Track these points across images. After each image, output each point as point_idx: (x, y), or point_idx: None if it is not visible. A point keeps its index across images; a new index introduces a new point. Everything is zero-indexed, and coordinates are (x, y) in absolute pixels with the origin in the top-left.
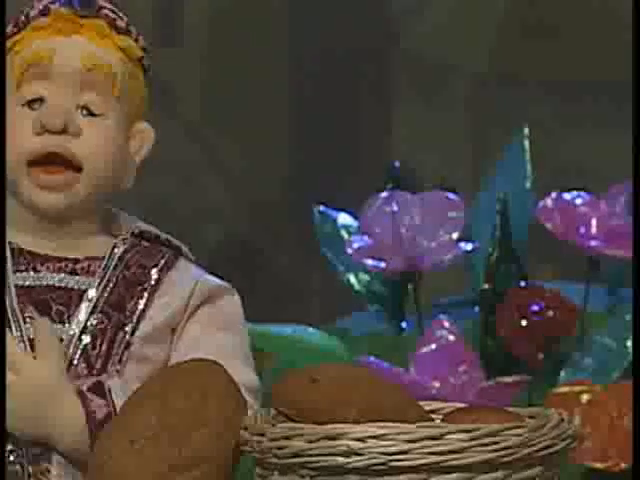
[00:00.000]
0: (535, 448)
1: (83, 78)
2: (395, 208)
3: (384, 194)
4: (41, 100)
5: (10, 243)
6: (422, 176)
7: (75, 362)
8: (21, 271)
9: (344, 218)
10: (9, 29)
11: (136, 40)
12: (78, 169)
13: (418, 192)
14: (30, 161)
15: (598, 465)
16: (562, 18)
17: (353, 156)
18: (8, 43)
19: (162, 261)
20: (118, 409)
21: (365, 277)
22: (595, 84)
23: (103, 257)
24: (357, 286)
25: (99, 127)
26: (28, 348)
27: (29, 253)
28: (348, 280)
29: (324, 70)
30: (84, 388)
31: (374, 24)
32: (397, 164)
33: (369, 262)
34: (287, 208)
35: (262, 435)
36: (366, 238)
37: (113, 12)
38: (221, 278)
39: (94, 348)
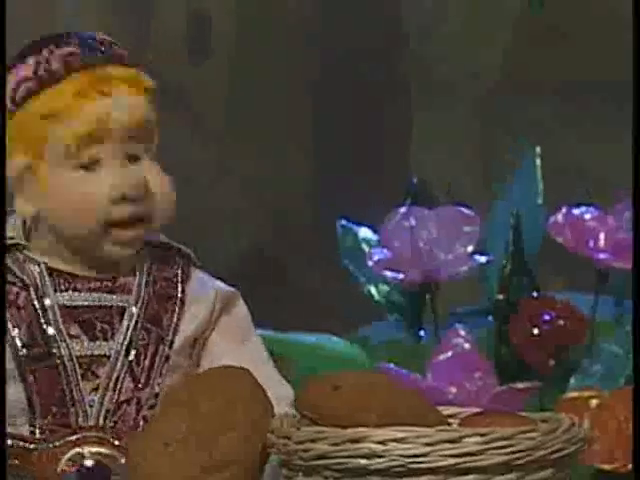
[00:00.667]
0: (548, 451)
1: (130, 134)
2: (413, 223)
3: (403, 209)
4: (97, 161)
5: (45, 264)
6: (437, 189)
7: (122, 378)
8: (62, 291)
9: (365, 232)
10: (30, 85)
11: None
12: (150, 221)
13: (434, 207)
14: (107, 223)
15: (606, 466)
16: (573, 26)
17: (373, 173)
18: (43, 107)
19: (179, 272)
20: None
21: (385, 288)
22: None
23: (133, 273)
24: (377, 296)
25: (158, 174)
26: (76, 366)
27: (68, 274)
28: (368, 291)
29: (344, 84)
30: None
31: (391, 40)
32: (415, 181)
33: (388, 274)
34: (311, 222)
35: (288, 438)
36: (386, 251)
37: (117, 46)
38: (247, 289)
39: (138, 363)
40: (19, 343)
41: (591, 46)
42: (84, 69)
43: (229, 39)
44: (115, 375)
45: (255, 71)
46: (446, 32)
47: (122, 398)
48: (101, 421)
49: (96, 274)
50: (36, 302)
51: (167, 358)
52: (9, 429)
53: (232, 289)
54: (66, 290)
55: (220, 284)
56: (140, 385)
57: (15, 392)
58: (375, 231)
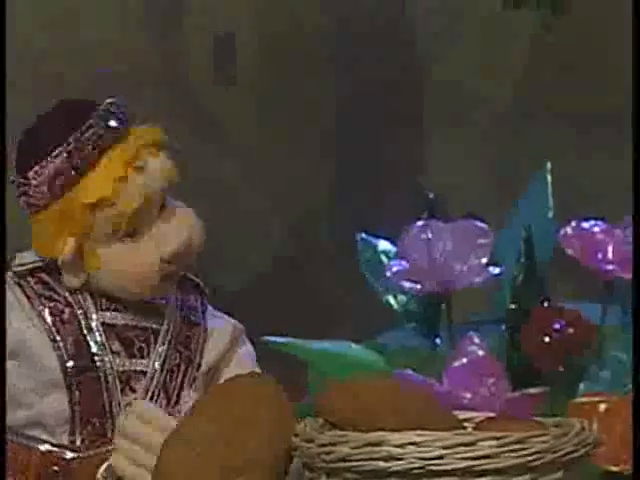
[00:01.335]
0: (559, 454)
1: (163, 193)
2: (430, 235)
3: (420, 223)
4: (140, 227)
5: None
6: (452, 203)
7: (156, 394)
8: (103, 310)
9: (384, 244)
10: (69, 175)
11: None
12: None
13: (450, 221)
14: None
15: (613, 468)
16: (580, 57)
17: (392, 188)
18: (86, 196)
19: (199, 303)
20: None
21: (402, 297)
22: (611, 117)
23: (164, 299)
24: (395, 306)
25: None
26: (117, 380)
27: (109, 296)
28: (387, 300)
29: (363, 102)
30: None
31: (407, 63)
32: (431, 196)
33: (406, 284)
34: (334, 235)
35: (311, 441)
36: (404, 262)
37: (124, 105)
38: (269, 298)
39: (171, 381)
40: (65, 355)
41: (599, 74)
42: (114, 146)
43: (253, 58)
44: (151, 391)
45: (278, 89)
46: (461, 57)
47: None
48: None
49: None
50: (81, 318)
51: (194, 379)
52: (47, 437)
53: (239, 325)
54: (107, 310)
55: (230, 319)
56: (172, 403)
57: (59, 401)
58: (393, 243)
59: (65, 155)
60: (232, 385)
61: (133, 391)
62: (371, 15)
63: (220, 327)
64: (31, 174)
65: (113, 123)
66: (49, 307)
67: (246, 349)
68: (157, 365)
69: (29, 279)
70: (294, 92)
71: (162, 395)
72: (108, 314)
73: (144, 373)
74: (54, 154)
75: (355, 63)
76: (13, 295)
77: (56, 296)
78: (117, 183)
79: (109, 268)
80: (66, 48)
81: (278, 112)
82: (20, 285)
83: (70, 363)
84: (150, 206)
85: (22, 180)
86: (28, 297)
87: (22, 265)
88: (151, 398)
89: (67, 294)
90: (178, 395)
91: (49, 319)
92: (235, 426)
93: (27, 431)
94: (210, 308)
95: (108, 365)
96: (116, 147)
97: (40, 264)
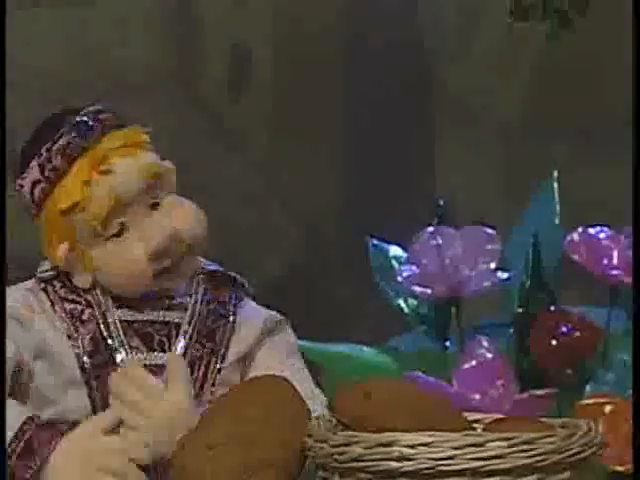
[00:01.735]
0: (567, 454)
1: (145, 190)
2: (440, 241)
3: (430, 229)
4: (124, 226)
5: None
6: (462, 210)
7: None
8: (122, 308)
9: (395, 250)
10: (43, 186)
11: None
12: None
13: (459, 227)
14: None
15: (619, 468)
16: (583, 71)
17: (403, 196)
18: (60, 203)
19: (233, 296)
20: None
21: (413, 302)
22: (616, 128)
23: (190, 294)
24: (406, 309)
25: (181, 208)
26: None
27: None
28: (398, 304)
29: (376, 112)
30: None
31: (420, 75)
32: (441, 203)
33: (417, 288)
34: (346, 241)
35: (324, 442)
36: (414, 267)
37: (104, 112)
38: (286, 302)
39: (192, 373)
40: (82, 353)
41: (605, 84)
42: (82, 154)
43: (268, 68)
44: None
45: (292, 98)
46: (472, 68)
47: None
48: None
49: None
50: (99, 317)
51: (219, 371)
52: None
53: (280, 317)
54: (126, 307)
55: (269, 311)
56: (193, 394)
57: (79, 397)
58: (404, 249)
59: (38, 166)
60: (247, 387)
61: None
62: (385, 24)
63: (251, 318)
64: (18, 184)
65: (82, 132)
66: (70, 309)
67: (280, 338)
68: None
69: (55, 283)
70: (309, 100)
71: None
72: (127, 311)
73: (165, 366)
74: (31, 165)
75: (369, 73)
76: (37, 300)
77: (78, 298)
78: (85, 187)
79: (102, 269)
80: (84, 56)
81: (293, 120)
82: (45, 290)
83: (87, 360)
84: (127, 206)
85: (16, 190)
86: (51, 301)
87: (46, 271)
88: None
89: (88, 295)
90: (201, 386)
91: (69, 320)
92: (250, 426)
93: (61, 427)
94: (247, 301)
95: (126, 359)
96: (86, 154)
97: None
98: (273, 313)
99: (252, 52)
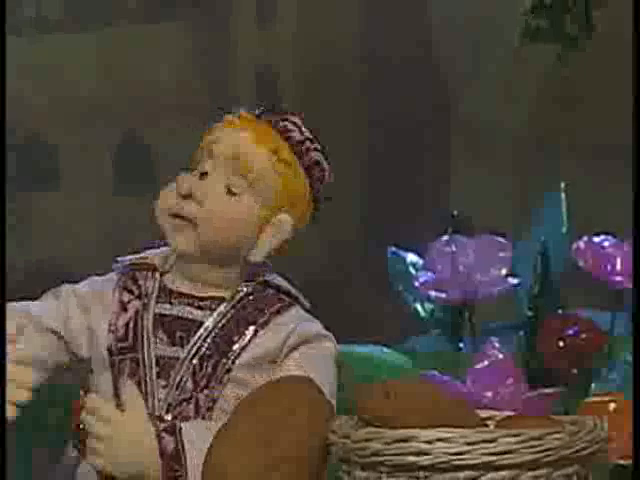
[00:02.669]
0: (573, 450)
1: (230, 163)
2: (454, 249)
3: (445, 238)
4: (206, 173)
5: (161, 281)
6: (474, 220)
7: (184, 380)
8: (161, 302)
9: (412, 257)
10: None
11: (299, 153)
12: (195, 224)
13: (472, 236)
14: (168, 213)
15: (622, 462)
16: (589, 91)
17: (420, 206)
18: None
19: (277, 305)
20: (186, 444)
21: (429, 306)
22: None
23: (226, 298)
24: (423, 313)
25: (227, 201)
26: (154, 364)
27: (170, 290)
28: (415, 308)
29: (395, 131)
30: (161, 428)
31: (435, 95)
32: (455, 213)
33: (432, 293)
34: (367, 249)
35: (347, 438)
36: (430, 274)
37: (294, 125)
38: (310, 311)
39: (201, 369)
40: (115, 338)
41: (608, 105)
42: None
43: (293, 89)
44: (180, 375)
45: (315, 117)
46: (484, 86)
47: (183, 396)
48: (164, 413)
49: (189, 291)
50: (140, 308)
51: (229, 370)
52: None
53: (321, 331)
54: (164, 302)
55: (310, 323)
56: (199, 388)
57: (106, 379)
58: (421, 257)
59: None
60: (269, 388)
61: (168, 376)
62: (401, 50)
63: (282, 326)
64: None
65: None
66: (122, 298)
67: (313, 350)
68: (188, 353)
69: (132, 274)
70: (330, 119)
71: (190, 381)
72: (163, 306)
73: (178, 359)
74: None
75: (386, 93)
76: (108, 287)
77: (136, 290)
78: (218, 126)
79: None
80: (115, 80)
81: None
82: (118, 279)
83: (116, 344)
84: (214, 158)
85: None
86: (114, 289)
87: (123, 262)
88: (179, 382)
89: (143, 289)
90: (208, 382)
91: (117, 307)
92: (274, 425)
93: None
94: (293, 311)
95: (147, 350)
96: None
97: (136, 262)
98: (310, 325)
99: (276, 74)
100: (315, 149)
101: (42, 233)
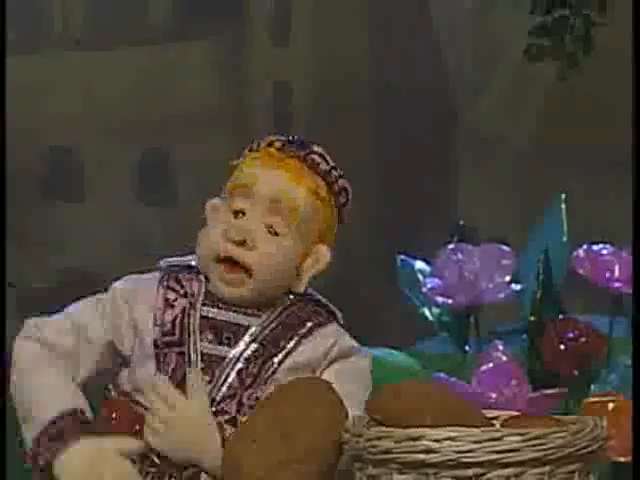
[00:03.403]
0: (576, 448)
1: (272, 205)
2: (460, 257)
3: (451, 246)
4: (242, 213)
5: (206, 284)
6: (480, 230)
7: (230, 379)
8: (207, 305)
9: (420, 264)
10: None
11: (329, 183)
12: (250, 272)
13: (477, 244)
14: (218, 258)
15: (621, 459)
16: (590, 106)
17: (428, 217)
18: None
19: (319, 318)
20: None
21: (436, 310)
22: (614, 159)
23: (271, 308)
24: (430, 317)
25: (275, 243)
26: (199, 359)
27: (216, 295)
28: (423, 313)
29: (406, 146)
30: (222, 420)
31: (442, 115)
32: (461, 223)
33: (439, 299)
34: (377, 257)
35: (360, 436)
36: (437, 280)
37: (320, 156)
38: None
39: (247, 369)
40: (160, 333)
41: (607, 115)
42: (269, 151)
43: (307, 103)
44: (226, 372)
45: (330, 131)
46: (489, 104)
47: (227, 393)
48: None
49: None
50: (187, 306)
51: (274, 372)
52: (141, 399)
53: (358, 346)
54: (210, 306)
55: (348, 339)
56: (244, 385)
57: (149, 370)
58: (429, 264)
59: (255, 145)
60: (291, 387)
61: (213, 372)
62: (411, 67)
63: (322, 339)
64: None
65: (290, 147)
66: (167, 296)
67: (347, 364)
68: (237, 353)
69: (169, 275)
70: (344, 133)
71: (236, 379)
72: (211, 309)
73: (225, 359)
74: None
75: (397, 110)
76: (151, 284)
77: (180, 290)
78: (249, 162)
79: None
80: (144, 95)
81: (330, 152)
82: (161, 278)
83: (162, 338)
84: (253, 198)
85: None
86: (158, 288)
87: (166, 263)
88: (225, 379)
89: (188, 290)
90: (253, 381)
91: (162, 304)
92: (290, 423)
93: (134, 394)
94: (332, 328)
95: (193, 346)
96: (274, 149)
97: (180, 264)
98: (348, 340)
99: (292, 89)
100: (341, 176)
101: (73, 242)
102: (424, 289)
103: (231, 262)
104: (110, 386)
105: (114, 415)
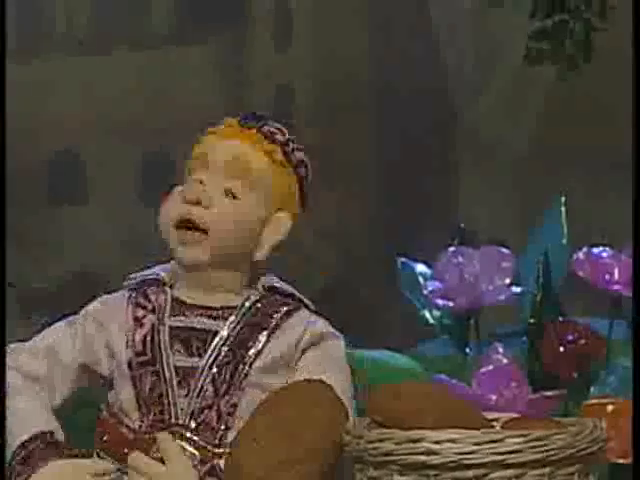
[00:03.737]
0: (576, 449)
1: (227, 168)
2: (460, 259)
3: (452, 249)
4: (201, 182)
5: (172, 295)
6: (480, 232)
7: (205, 388)
8: (174, 315)
9: (421, 267)
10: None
11: (286, 153)
12: (206, 232)
13: (478, 247)
14: (174, 224)
15: (621, 461)
16: (590, 107)
17: (428, 219)
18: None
19: (284, 309)
20: None
21: (437, 313)
22: (614, 161)
23: (236, 306)
24: (431, 320)
25: (232, 204)
26: (173, 375)
27: (182, 302)
28: (424, 315)
29: (406, 148)
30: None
31: (442, 115)
32: (462, 226)
33: (440, 301)
34: (378, 260)
35: (360, 438)
36: (438, 283)
37: (277, 129)
38: (323, 314)
39: (220, 377)
40: (133, 352)
41: (607, 117)
42: (228, 124)
43: (309, 105)
44: (200, 384)
45: (331, 132)
46: (489, 106)
47: (204, 404)
48: (187, 421)
49: (201, 302)
50: (156, 322)
51: (246, 375)
52: (127, 421)
53: (330, 330)
54: (177, 315)
55: (319, 323)
56: (220, 394)
57: (126, 391)
58: (429, 266)
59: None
60: (291, 388)
61: (188, 385)
62: (411, 67)
63: (293, 329)
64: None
65: (248, 121)
66: (136, 314)
67: (322, 350)
68: (207, 362)
69: (136, 291)
70: (345, 134)
71: (210, 389)
72: (177, 318)
73: (198, 368)
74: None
75: (397, 110)
76: (119, 305)
77: (148, 305)
78: (209, 136)
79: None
80: (145, 97)
81: (330, 152)
82: (129, 297)
83: (136, 358)
84: (209, 169)
85: None
86: (127, 306)
87: (133, 279)
88: (200, 390)
89: (155, 304)
90: (228, 388)
91: (132, 323)
92: (291, 424)
93: (120, 415)
94: (300, 313)
95: (166, 361)
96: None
97: (145, 279)
98: (320, 325)
99: (293, 91)
100: (299, 149)
101: (74, 243)
102: (425, 292)
103: (189, 226)
104: (102, 406)
105: (105, 438)
